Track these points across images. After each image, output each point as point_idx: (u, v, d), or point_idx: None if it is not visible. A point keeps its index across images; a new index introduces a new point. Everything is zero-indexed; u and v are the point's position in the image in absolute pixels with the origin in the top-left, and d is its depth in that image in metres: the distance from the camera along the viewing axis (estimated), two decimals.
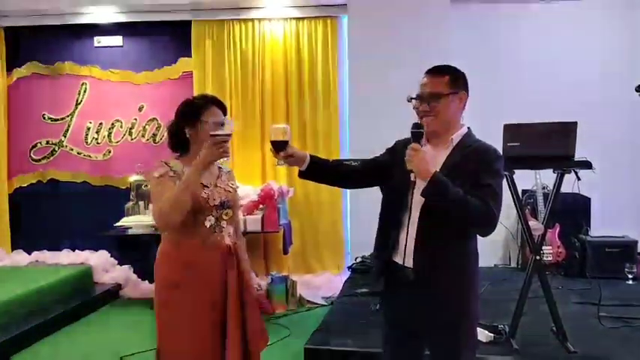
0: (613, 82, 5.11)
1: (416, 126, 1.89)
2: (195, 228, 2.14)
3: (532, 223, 3.38)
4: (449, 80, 1.92)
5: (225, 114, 2.24)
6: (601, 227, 4.95)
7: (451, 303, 1.90)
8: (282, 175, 5.56)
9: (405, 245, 1.88)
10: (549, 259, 4.73)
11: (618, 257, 4.55)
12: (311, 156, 2.04)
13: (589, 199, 4.73)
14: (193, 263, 2.13)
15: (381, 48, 5.32)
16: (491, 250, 5.21)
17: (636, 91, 3.50)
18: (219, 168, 2.31)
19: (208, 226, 2.16)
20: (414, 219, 1.90)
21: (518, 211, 3.30)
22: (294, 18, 5.61)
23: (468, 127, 1.99)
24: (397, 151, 2.04)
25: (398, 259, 1.95)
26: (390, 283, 2.01)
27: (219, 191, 2.21)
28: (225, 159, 2.03)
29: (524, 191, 4.94)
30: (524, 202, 5.00)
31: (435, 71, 1.96)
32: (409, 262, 1.90)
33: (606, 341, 3.21)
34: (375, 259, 2.08)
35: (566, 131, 3.02)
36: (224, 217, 2.21)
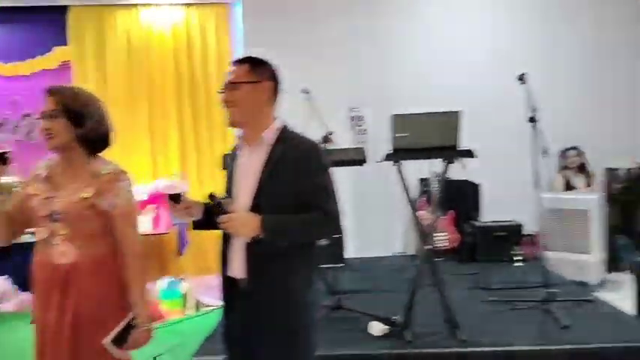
0: (502, 71, 5.27)
1: (211, 197, 1.82)
2: (37, 242, 1.90)
3: (421, 212, 3.38)
4: (248, 68, 1.84)
5: None
6: (493, 212, 5.13)
7: (282, 315, 1.80)
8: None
9: (236, 258, 1.83)
10: (445, 245, 4.83)
11: (506, 241, 4.73)
12: (204, 203, 1.93)
13: (478, 185, 4.87)
14: (32, 282, 1.89)
15: (276, 37, 5.19)
16: (391, 238, 5.25)
17: (518, 79, 3.63)
18: (105, 173, 1.92)
19: (41, 241, 1.90)
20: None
21: (408, 201, 3.28)
22: (181, 4, 5.31)
23: (285, 122, 1.91)
24: (227, 165, 2.00)
25: (230, 272, 1.88)
26: (225, 297, 1.92)
27: (55, 201, 1.89)
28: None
29: (421, 180, 5.01)
30: (421, 190, 5.09)
31: (237, 60, 1.89)
32: (240, 274, 1.83)
33: (496, 325, 3.27)
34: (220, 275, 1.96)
35: (450, 121, 3.02)
36: (59, 231, 1.88)
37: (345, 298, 3.65)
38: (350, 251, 4.96)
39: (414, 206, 3.30)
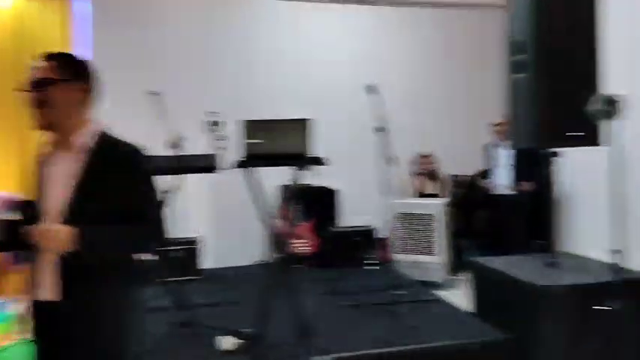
0: (360, 80, 5.46)
1: (14, 211, 1.67)
2: None
3: (276, 219, 3.35)
4: (57, 66, 1.67)
5: None
6: (351, 217, 5.26)
7: (100, 338, 1.64)
8: (14, 183, 4.69)
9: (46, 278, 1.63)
10: (304, 251, 4.85)
11: (361, 245, 4.88)
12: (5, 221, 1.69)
13: (336, 191, 4.98)
14: None
15: (126, 35, 4.91)
16: (251, 247, 5.15)
17: (367, 90, 3.75)
18: None
19: None
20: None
21: (260, 208, 3.22)
22: None
23: (104, 125, 1.76)
24: (34, 173, 1.78)
25: (41, 295, 1.66)
26: (36, 324, 1.71)
27: None
28: None
29: (284, 186, 4.98)
30: (282, 197, 5.06)
31: (47, 56, 1.70)
32: (52, 296, 1.63)
33: (349, 330, 3.31)
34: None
35: (300, 128, 3.03)
36: None
37: (197, 312, 3.47)
38: (208, 262, 4.78)
39: (266, 214, 3.25)
